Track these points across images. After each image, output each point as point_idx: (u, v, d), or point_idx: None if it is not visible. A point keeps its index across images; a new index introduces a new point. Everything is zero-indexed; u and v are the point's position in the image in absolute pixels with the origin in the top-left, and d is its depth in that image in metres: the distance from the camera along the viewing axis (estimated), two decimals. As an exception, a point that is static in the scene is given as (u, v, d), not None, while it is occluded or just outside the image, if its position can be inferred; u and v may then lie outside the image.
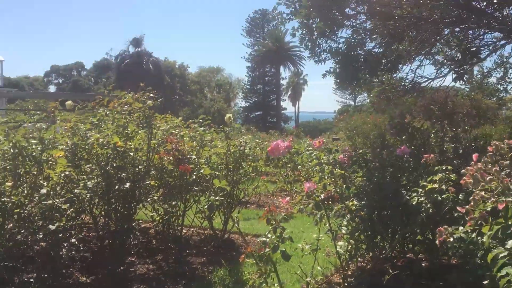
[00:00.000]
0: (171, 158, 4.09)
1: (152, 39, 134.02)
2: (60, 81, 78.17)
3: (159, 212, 5.75)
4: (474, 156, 2.12)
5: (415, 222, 3.47)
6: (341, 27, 6.51)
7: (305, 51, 7.64)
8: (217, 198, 3.11)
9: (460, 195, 3.11)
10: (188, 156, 4.01)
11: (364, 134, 15.01)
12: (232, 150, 5.72)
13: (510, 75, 12.59)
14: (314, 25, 6.75)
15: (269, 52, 56.18)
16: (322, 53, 6.94)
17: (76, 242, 4.04)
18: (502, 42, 6.96)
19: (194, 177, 3.89)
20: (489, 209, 1.83)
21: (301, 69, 62.75)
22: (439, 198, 3.10)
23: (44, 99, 27.13)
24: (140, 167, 4.93)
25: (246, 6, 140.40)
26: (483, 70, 14.32)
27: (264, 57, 57.18)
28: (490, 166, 1.95)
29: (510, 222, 1.65)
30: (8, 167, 4.03)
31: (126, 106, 4.70)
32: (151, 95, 4.95)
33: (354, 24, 6.72)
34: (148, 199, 5.16)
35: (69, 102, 5.29)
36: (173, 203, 5.54)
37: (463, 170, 2.11)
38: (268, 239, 2.49)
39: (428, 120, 6.49)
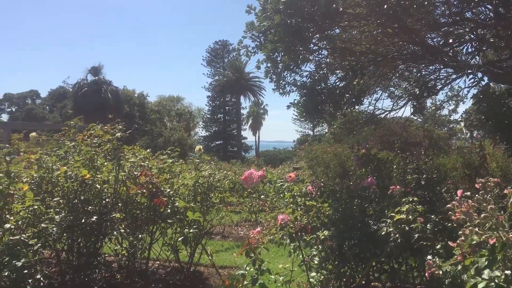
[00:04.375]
0: (144, 191, 4.06)
1: (111, 68, 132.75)
2: (14, 109, 75.67)
3: (124, 246, 5.64)
4: (459, 192, 2.32)
5: (384, 252, 3.59)
6: (305, 62, 6.77)
7: (265, 82, 7.88)
8: (191, 230, 3.12)
9: (428, 225, 3.26)
10: (162, 189, 4.00)
11: (325, 164, 15.33)
12: (200, 182, 5.73)
13: (459, 107, 13.35)
14: (279, 59, 6.98)
15: (230, 82, 56.80)
16: (286, 86, 7.16)
17: (41, 278, 3.90)
18: (454, 76, 7.43)
19: (169, 211, 3.88)
20: (474, 243, 1.96)
21: (261, 99, 63.69)
22: (407, 228, 3.24)
23: (-4, 128, 26.18)
24: (107, 199, 4.86)
25: (206, 37, 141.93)
26: (436, 103, 15.07)
27: (224, 87, 57.72)
28: (484, 204, 2.10)
29: (497, 256, 1.78)
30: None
31: (96, 138, 4.66)
32: (120, 127, 4.93)
33: (317, 58, 6.99)
34: (115, 232, 5.06)
35: (33, 134, 5.19)
36: (139, 236, 5.45)
37: (449, 205, 2.26)
38: (246, 272, 2.53)
39: (387, 150, 6.75)
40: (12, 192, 3.76)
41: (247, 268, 2.56)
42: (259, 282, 2.41)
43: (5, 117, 73.01)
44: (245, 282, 2.48)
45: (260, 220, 9.88)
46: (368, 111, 7.94)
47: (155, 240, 5.80)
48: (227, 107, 61.98)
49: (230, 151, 58.72)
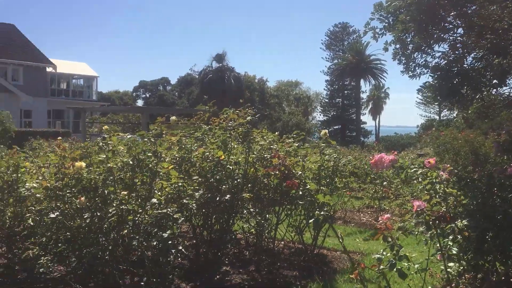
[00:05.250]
0: (277, 172, 4.23)
1: (233, 54, 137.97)
2: (147, 95, 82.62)
3: (252, 224, 5.92)
4: None
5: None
6: (438, 42, 6.35)
7: (387, 64, 7.56)
8: (321, 213, 3.18)
9: None
10: (294, 171, 4.13)
11: (454, 150, 14.36)
12: (325, 165, 5.76)
13: None
14: (408, 40, 6.65)
15: (349, 65, 55.52)
16: (416, 68, 6.81)
17: (183, 250, 4.28)
18: None
19: (301, 192, 4.00)
20: None
21: (383, 82, 61.30)
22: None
23: (133, 112, 28.86)
24: (238, 180, 5.13)
25: (326, 20, 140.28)
26: None
27: (343, 70, 56.61)
28: None
29: None
30: (123, 177, 4.39)
31: (230, 122, 4.95)
32: (251, 111, 5.17)
33: (452, 38, 6.52)
34: (245, 211, 5.34)
35: (173, 117, 5.65)
36: (267, 216, 5.69)
37: None
38: (383, 256, 2.51)
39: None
40: (159, 170, 4.17)
41: (384, 253, 2.54)
42: (396, 267, 2.38)
43: (140, 103, 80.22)
44: (381, 267, 2.46)
45: (384, 207, 9.63)
46: (508, 93, 7.23)
47: (281, 221, 6.00)
48: (345, 91, 60.82)
49: (348, 136, 57.70)
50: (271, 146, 5.18)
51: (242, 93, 50.52)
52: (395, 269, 2.37)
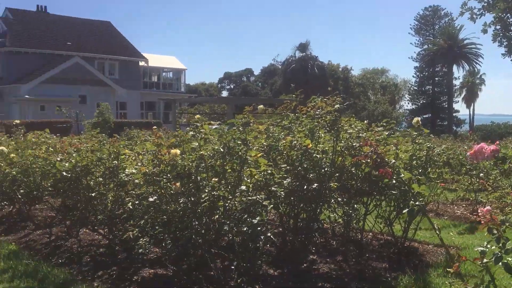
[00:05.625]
0: (368, 161, 4.13)
1: (316, 43, 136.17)
2: (232, 86, 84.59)
3: (339, 214, 5.84)
4: None
5: None
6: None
7: (483, 48, 7.02)
8: (417, 203, 3.05)
9: None
10: (386, 159, 4.01)
11: None
12: (417, 155, 5.51)
13: None
14: (511, 20, 6.14)
15: (440, 50, 52.50)
16: (521, 50, 6.28)
17: (271, 236, 4.35)
18: None
19: (394, 181, 3.88)
20: None
21: (478, 68, 57.23)
22: None
23: (219, 103, 29.72)
24: (326, 169, 5.09)
25: (414, 3, 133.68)
26: None
27: (434, 56, 53.68)
28: None
29: None
30: (213, 164, 4.54)
31: (318, 110, 4.91)
32: (339, 99, 5.08)
33: None
34: (332, 200, 5.28)
35: (261, 106, 5.72)
36: (355, 205, 5.58)
37: None
38: (487, 249, 2.36)
39: None
40: (248, 157, 4.26)
41: (488, 246, 2.38)
42: (502, 260, 2.22)
43: (225, 94, 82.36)
44: (485, 260, 2.32)
45: (481, 199, 9.03)
46: None
47: (369, 212, 5.86)
48: (436, 78, 57.69)
49: (439, 125, 54.79)
50: (360, 135, 5.05)
51: (326, 82, 49.88)
52: (500, 263, 2.21)
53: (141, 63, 42.91)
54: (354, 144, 5.02)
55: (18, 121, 13.49)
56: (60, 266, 5.58)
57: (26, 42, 36.52)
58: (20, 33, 37.00)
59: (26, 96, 33.66)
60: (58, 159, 5.73)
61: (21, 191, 7.17)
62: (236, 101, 20.18)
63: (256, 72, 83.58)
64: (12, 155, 7.26)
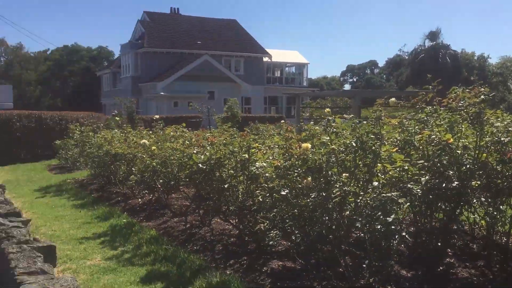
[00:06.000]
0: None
1: (449, 31, 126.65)
2: (354, 79, 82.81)
3: (480, 215, 5.33)
4: None
5: None
6: None
7: None
8: None
9: None
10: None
11: None
12: None
13: None
14: None
15: None
16: None
17: (407, 236, 4.11)
18: None
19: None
20: None
21: None
22: None
23: (343, 96, 29.29)
24: (468, 166, 4.66)
25: None
26: None
27: None
28: None
29: None
30: (344, 159, 4.42)
31: (461, 102, 4.51)
32: (485, 89, 4.62)
33: None
34: (475, 200, 4.83)
35: (393, 99, 5.44)
36: (501, 207, 5.04)
37: None
38: None
39: None
40: (381, 152, 4.06)
41: None
42: None
43: (347, 87, 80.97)
44: None
45: None
46: None
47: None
48: None
49: None
50: (509, 129, 4.53)
51: (459, 72, 46.27)
52: None
53: (265, 59, 44.02)
54: (502, 139, 4.52)
55: (157, 116, 14.73)
56: (195, 253, 5.93)
57: (161, 43, 39.77)
58: (156, 35, 40.37)
59: (162, 93, 36.65)
60: (195, 151, 6.09)
61: (160, 181, 7.81)
62: (362, 94, 19.60)
63: (381, 64, 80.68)
64: (153, 147, 7.93)
